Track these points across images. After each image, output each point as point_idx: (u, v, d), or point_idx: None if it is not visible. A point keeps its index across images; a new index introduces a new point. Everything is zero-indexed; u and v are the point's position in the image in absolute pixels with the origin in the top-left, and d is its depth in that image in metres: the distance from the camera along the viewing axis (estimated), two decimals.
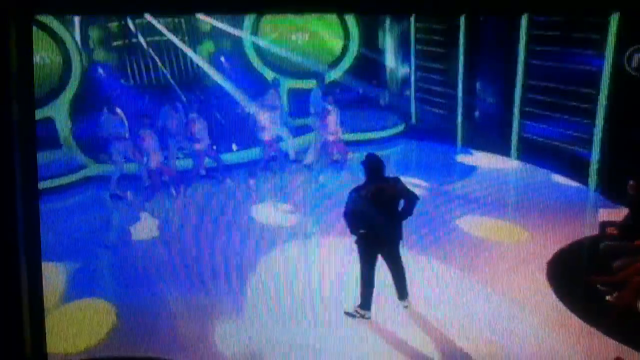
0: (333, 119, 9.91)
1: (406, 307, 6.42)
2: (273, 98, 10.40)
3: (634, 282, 6.11)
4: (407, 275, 6.45)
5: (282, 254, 7.63)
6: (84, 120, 10.53)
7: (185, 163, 10.02)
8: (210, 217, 8.84)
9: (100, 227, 8.77)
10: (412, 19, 11.99)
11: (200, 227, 8.51)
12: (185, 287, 6.95)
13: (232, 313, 6.48)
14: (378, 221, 6.09)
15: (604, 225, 7.26)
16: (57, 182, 9.67)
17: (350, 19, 12.17)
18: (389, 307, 6.42)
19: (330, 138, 9.96)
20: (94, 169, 10.13)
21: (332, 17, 12.07)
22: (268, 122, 9.98)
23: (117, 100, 10.11)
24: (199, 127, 9.62)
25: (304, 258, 7.50)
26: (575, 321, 6.21)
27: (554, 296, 6.62)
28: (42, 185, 9.02)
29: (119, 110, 9.49)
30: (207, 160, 10.01)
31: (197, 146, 9.74)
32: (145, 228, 8.55)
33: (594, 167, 9.25)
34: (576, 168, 9.46)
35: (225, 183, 9.92)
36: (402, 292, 6.42)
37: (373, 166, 6.12)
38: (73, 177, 10.00)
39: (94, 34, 11.48)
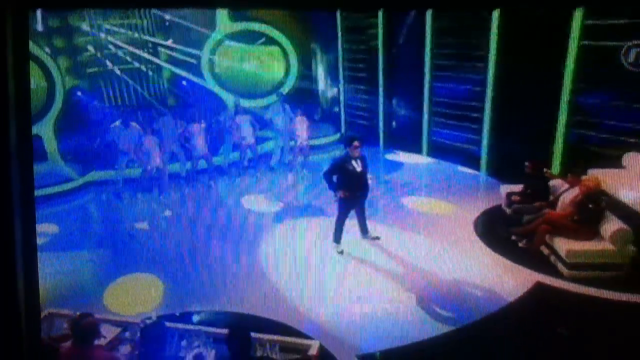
0: (303, 126, 10.73)
1: (366, 237, 7.91)
2: (240, 113, 10.97)
3: (541, 229, 7.39)
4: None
5: (273, 232, 8.55)
6: (68, 136, 10.91)
7: (177, 167, 10.62)
8: (208, 208, 9.73)
9: (119, 220, 9.32)
10: (340, 52, 13.29)
11: (199, 217, 9.34)
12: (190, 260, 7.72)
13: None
14: (358, 185, 7.62)
15: (509, 195, 8.56)
16: (57, 189, 10.03)
17: (291, 51, 13.09)
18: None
19: (298, 143, 10.77)
20: (97, 175, 10.48)
21: (276, 49, 13.00)
22: (242, 132, 10.80)
23: (98, 118, 10.62)
24: (199, 136, 10.24)
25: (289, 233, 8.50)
26: (500, 259, 7.29)
27: (482, 243, 7.77)
28: (51, 190, 9.63)
29: (133, 123, 9.88)
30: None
31: (199, 152, 10.39)
32: (156, 219, 9.25)
33: (483, 159, 10.82)
34: (471, 161, 10.94)
35: (210, 182, 10.65)
36: (365, 229, 7.96)
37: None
38: (75, 184, 10.36)
39: (73, 62, 11.77)
